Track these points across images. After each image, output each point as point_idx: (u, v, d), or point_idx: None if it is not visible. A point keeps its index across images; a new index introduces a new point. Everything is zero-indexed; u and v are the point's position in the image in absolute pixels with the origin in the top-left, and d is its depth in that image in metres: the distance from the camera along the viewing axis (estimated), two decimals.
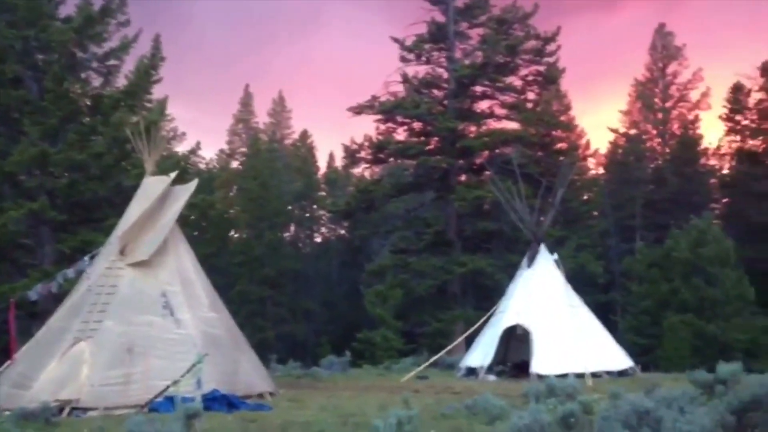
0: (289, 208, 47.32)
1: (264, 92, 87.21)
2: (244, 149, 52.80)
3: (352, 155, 36.88)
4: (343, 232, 49.53)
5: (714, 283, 29.95)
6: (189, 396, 12.45)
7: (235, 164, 52.80)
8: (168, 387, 13.25)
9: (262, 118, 56.40)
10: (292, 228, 49.45)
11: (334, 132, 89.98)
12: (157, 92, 26.34)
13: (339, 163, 51.03)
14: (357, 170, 45.43)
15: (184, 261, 15.67)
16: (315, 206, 49.93)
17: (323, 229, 52.46)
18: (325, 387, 18.38)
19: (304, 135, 54.80)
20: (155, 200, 15.51)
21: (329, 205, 41.78)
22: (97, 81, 25.56)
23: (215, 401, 13.22)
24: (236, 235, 45.69)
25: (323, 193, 50.61)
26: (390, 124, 35.52)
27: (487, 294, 31.76)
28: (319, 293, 44.92)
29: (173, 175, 16.31)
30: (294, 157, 52.76)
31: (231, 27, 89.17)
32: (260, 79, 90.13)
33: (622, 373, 20.20)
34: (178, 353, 13.85)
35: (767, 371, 15.34)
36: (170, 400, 12.79)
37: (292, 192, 47.81)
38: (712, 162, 42.90)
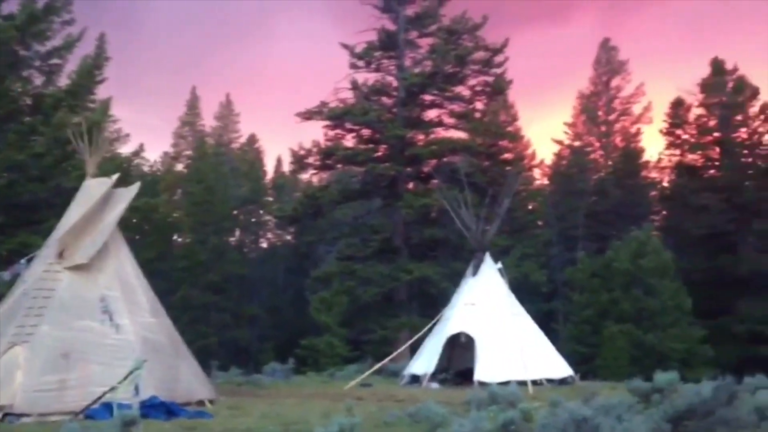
0: (235, 212, 46.74)
1: (211, 95, 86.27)
2: (189, 152, 51.95)
3: (300, 161, 36.72)
4: (289, 237, 49.18)
5: (652, 293, 30.69)
6: (126, 403, 12.19)
7: (180, 167, 51.93)
8: (105, 393, 12.96)
9: (208, 121, 55.68)
10: (238, 233, 48.88)
11: (282, 137, 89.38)
12: (101, 93, 25.91)
13: (287, 168, 50.84)
14: (305, 176, 45.31)
15: (124, 265, 15.38)
16: (261, 211, 49.43)
17: (269, 235, 51.98)
18: (268, 394, 18.20)
19: (252, 139, 54.32)
20: (96, 203, 15.18)
21: (276, 210, 41.42)
22: (39, 80, 24.96)
23: (153, 408, 12.96)
24: (180, 240, 44.91)
25: (270, 198, 50.16)
26: (339, 131, 35.47)
27: (432, 302, 31.79)
28: (264, 299, 44.47)
29: (115, 177, 15.98)
30: (241, 161, 52.15)
31: (179, 29, 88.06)
32: (208, 82, 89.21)
33: (562, 381, 20.54)
34: (117, 359, 13.54)
35: (702, 380, 15.72)
36: (107, 406, 12.52)
37: (239, 196, 47.23)
38: (653, 175, 43.83)
